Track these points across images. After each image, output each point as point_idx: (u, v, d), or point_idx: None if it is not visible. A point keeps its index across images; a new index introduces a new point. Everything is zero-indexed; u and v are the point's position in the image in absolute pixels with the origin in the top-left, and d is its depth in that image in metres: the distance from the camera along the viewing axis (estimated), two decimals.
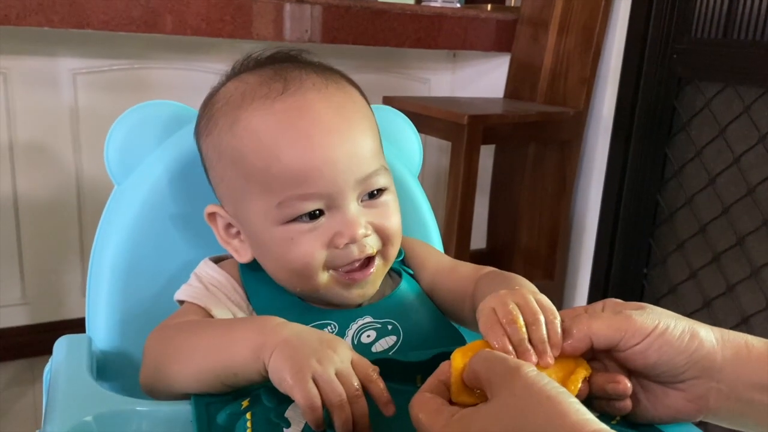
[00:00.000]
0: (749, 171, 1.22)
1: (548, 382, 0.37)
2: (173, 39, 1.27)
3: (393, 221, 0.54)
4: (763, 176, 1.19)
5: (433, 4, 1.59)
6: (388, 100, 1.42)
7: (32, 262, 1.30)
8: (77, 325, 0.66)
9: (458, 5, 1.62)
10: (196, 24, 1.21)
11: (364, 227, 0.51)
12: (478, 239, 1.69)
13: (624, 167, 1.41)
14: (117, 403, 0.47)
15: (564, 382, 0.44)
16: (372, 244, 0.52)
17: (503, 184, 1.66)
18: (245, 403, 0.44)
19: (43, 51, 1.24)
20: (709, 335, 0.46)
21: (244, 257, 0.56)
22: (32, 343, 1.29)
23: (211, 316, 0.54)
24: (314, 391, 0.41)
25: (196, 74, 1.39)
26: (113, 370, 0.63)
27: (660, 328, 0.45)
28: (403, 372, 0.47)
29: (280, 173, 0.50)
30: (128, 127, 0.64)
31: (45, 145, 1.27)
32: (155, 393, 0.51)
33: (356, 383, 0.42)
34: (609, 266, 1.47)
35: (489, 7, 1.64)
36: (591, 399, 0.46)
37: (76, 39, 1.24)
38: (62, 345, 0.58)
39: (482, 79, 1.70)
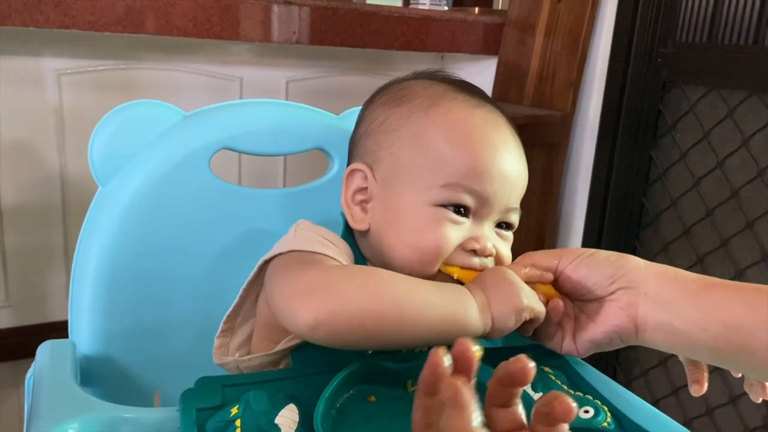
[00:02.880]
0: (733, 174, 1.23)
1: None
2: (160, 39, 1.26)
3: (508, 255, 0.58)
4: (746, 179, 1.21)
5: (420, 6, 1.59)
6: None
7: (16, 263, 1.29)
8: (62, 328, 0.66)
9: (446, 8, 1.63)
10: (183, 25, 1.20)
11: (492, 245, 0.55)
12: None
13: (610, 169, 1.42)
14: (103, 409, 0.46)
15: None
16: (488, 265, 0.56)
17: None
18: (234, 410, 0.43)
19: (27, 51, 1.23)
20: (637, 258, 0.52)
21: (359, 225, 0.58)
22: (16, 345, 1.28)
23: None
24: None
25: (182, 75, 1.38)
26: (97, 375, 0.63)
27: (590, 251, 0.54)
28: (393, 377, 0.47)
29: (460, 161, 0.54)
30: (113, 127, 0.64)
31: (29, 146, 1.26)
32: (350, 342, 0.46)
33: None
34: None
35: (476, 10, 1.64)
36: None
37: (62, 39, 1.23)
38: (45, 350, 0.58)
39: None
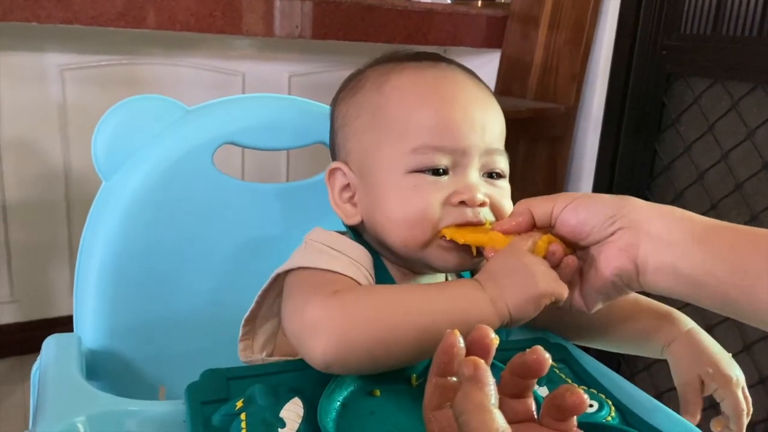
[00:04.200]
0: (737, 166, 1.23)
1: None
2: (162, 34, 1.26)
3: (508, 204, 0.56)
4: (750, 172, 1.20)
5: (423, 0, 1.58)
6: None
7: (20, 259, 1.29)
8: (66, 323, 0.66)
9: (448, 1, 1.62)
10: (185, 19, 1.20)
11: (482, 194, 0.53)
12: None
13: (614, 163, 1.42)
14: (109, 403, 0.47)
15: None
16: (486, 216, 0.54)
17: None
18: (239, 404, 0.43)
19: (30, 46, 1.23)
20: (639, 199, 0.49)
21: (352, 220, 0.57)
22: (21, 341, 1.28)
23: None
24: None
25: (185, 70, 1.38)
26: (103, 369, 0.63)
27: (588, 194, 0.50)
28: (398, 371, 0.47)
29: (420, 122, 0.53)
30: (116, 121, 0.63)
31: (33, 142, 1.26)
32: (362, 365, 0.46)
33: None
34: None
35: (479, 3, 1.64)
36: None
37: (64, 34, 1.23)
38: (51, 344, 0.58)
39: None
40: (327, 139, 0.71)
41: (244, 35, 1.28)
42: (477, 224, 0.53)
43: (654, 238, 0.47)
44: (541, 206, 0.51)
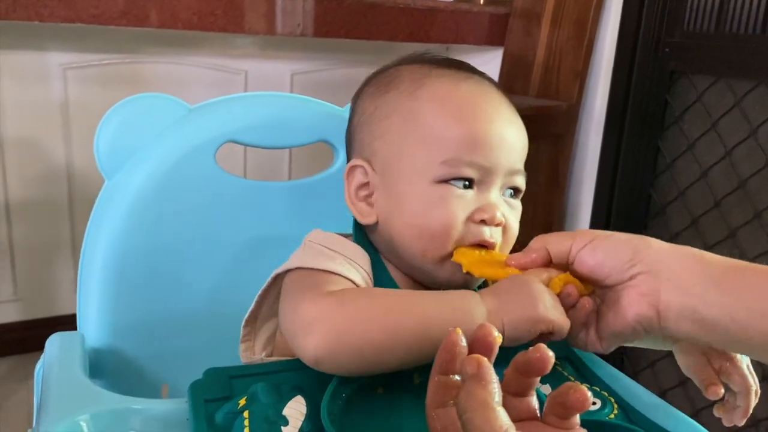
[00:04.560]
0: (741, 164, 1.22)
1: None
2: (164, 33, 1.26)
3: (517, 226, 0.56)
4: (754, 169, 1.20)
5: None
6: None
7: (24, 257, 1.29)
8: (70, 321, 0.66)
9: None
10: (187, 18, 1.20)
11: (500, 214, 0.54)
12: None
13: (616, 160, 1.42)
14: (113, 401, 0.47)
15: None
16: (497, 237, 0.54)
17: None
18: (242, 402, 0.44)
19: (32, 45, 1.23)
20: (658, 240, 0.49)
21: (366, 219, 0.57)
22: (24, 339, 1.29)
23: None
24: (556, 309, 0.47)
25: (187, 68, 1.38)
26: (106, 367, 0.63)
27: (607, 233, 0.50)
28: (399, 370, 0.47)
29: (453, 136, 0.53)
30: (118, 120, 0.64)
31: (35, 141, 1.26)
32: (353, 364, 0.46)
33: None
34: None
35: (482, 0, 1.63)
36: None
37: (66, 33, 1.23)
38: (54, 342, 0.58)
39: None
40: (330, 138, 0.71)
41: (246, 33, 1.28)
42: (491, 245, 0.53)
43: (674, 284, 0.46)
44: (558, 244, 0.51)
